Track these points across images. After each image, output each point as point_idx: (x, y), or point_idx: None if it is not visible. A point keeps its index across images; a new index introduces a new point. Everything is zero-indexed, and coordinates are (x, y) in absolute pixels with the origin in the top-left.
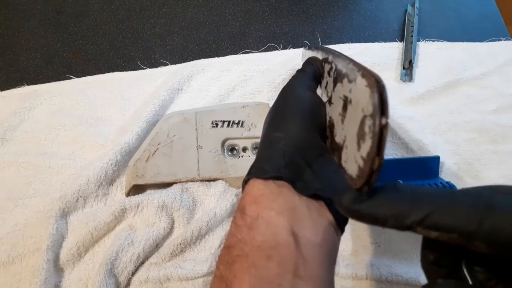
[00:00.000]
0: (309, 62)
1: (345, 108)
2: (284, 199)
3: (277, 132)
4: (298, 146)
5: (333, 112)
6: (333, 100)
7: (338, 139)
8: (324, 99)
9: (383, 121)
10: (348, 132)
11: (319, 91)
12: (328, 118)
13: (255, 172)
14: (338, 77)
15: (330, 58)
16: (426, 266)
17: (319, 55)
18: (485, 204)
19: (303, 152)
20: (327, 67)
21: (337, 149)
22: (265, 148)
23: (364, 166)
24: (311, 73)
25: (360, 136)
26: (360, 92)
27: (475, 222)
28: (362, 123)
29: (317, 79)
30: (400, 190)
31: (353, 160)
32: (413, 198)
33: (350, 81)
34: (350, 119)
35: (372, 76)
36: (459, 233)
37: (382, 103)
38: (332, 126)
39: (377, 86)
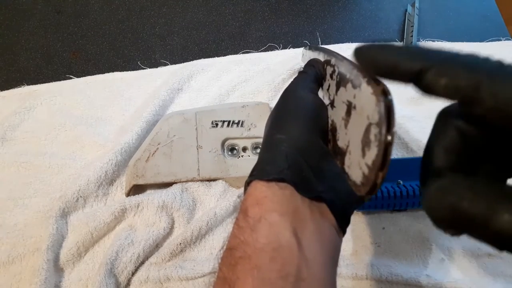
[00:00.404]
0: (310, 64)
1: (348, 113)
2: (286, 201)
3: (279, 134)
4: (300, 148)
5: (336, 116)
6: (336, 103)
7: (341, 143)
8: (326, 101)
9: (390, 131)
10: (352, 138)
11: (320, 93)
12: (330, 121)
13: (257, 174)
14: (341, 81)
15: (333, 61)
16: (435, 154)
17: (320, 56)
18: (496, 62)
19: (306, 155)
20: (329, 69)
21: (340, 153)
22: (267, 150)
23: (369, 174)
24: (313, 75)
25: (365, 143)
26: (366, 99)
27: (485, 71)
28: (367, 131)
29: (319, 81)
30: (415, 46)
31: (357, 166)
32: (428, 50)
33: (354, 87)
34: (354, 125)
35: (378, 84)
36: (466, 79)
37: (389, 112)
38: (334, 129)
39: (384, 94)
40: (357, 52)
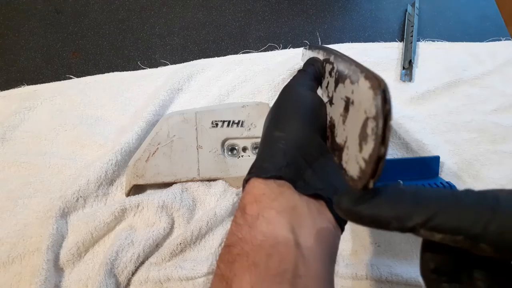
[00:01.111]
0: (310, 62)
1: (346, 109)
2: (284, 198)
3: (278, 132)
4: (298, 145)
5: (334, 112)
6: (334, 100)
7: (339, 139)
8: (325, 99)
9: (387, 124)
10: (349, 133)
11: (319, 92)
12: (328, 119)
13: (255, 171)
14: (340, 78)
15: (332, 58)
16: (427, 273)
17: (320, 55)
18: (490, 204)
19: (304, 152)
20: (328, 67)
21: (338, 149)
22: (265, 147)
23: (366, 168)
24: (312, 73)
25: (362, 137)
26: (363, 94)
27: (481, 223)
28: (364, 125)
29: (318, 79)
30: (402, 191)
31: (354, 161)
32: (415, 199)
33: (352, 82)
34: (351, 120)
35: (376, 78)
36: (465, 235)
37: (386, 105)
38: (332, 126)
39: (381, 88)
40: (337, 205)
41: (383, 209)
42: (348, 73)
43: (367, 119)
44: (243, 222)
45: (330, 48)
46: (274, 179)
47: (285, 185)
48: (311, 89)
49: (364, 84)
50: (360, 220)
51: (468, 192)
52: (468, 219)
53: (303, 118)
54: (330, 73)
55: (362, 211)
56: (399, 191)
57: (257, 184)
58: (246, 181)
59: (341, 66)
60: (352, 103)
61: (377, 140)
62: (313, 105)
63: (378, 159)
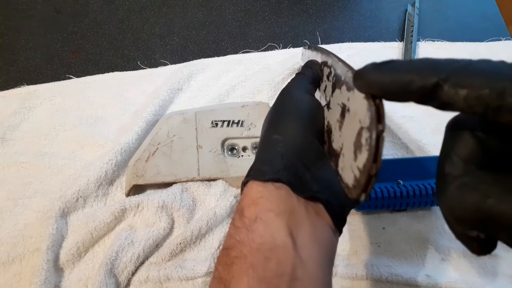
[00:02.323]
0: (308, 65)
1: (343, 115)
2: (282, 201)
3: (276, 135)
4: (296, 148)
5: (331, 117)
6: (331, 105)
7: (335, 145)
8: (323, 102)
9: (380, 135)
10: (345, 140)
11: (317, 94)
12: (326, 123)
13: (254, 174)
14: (337, 83)
15: (330, 62)
16: (453, 165)
17: (318, 56)
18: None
19: (302, 155)
20: (326, 70)
21: (334, 155)
22: (263, 150)
23: (360, 177)
24: (310, 76)
25: (357, 146)
26: (358, 103)
27: (507, 74)
28: (359, 134)
29: (316, 82)
30: (421, 58)
31: (349, 169)
32: (437, 60)
33: (348, 90)
34: (347, 128)
35: None
36: (490, 88)
37: (379, 117)
38: (330, 131)
39: (375, 100)
40: (358, 77)
41: (404, 70)
42: (345, 79)
43: (361, 128)
44: (241, 224)
45: (328, 51)
46: (272, 182)
47: (283, 188)
48: (309, 92)
49: (359, 93)
50: (381, 85)
51: (486, 60)
52: (494, 72)
53: (301, 121)
54: (328, 77)
55: (383, 75)
56: (415, 59)
57: (255, 187)
58: (244, 183)
59: (338, 71)
60: (348, 110)
61: (371, 151)
62: (311, 109)
63: (371, 169)
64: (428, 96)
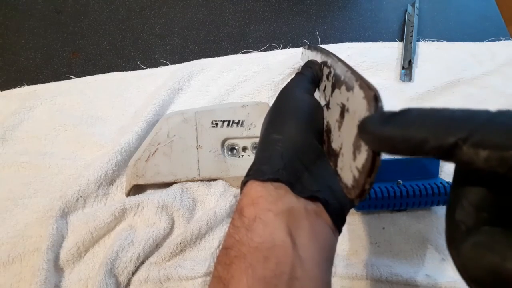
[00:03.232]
0: (308, 65)
1: (342, 115)
2: (282, 200)
3: (275, 134)
4: (296, 148)
5: (331, 117)
6: (331, 105)
7: (334, 145)
8: (322, 102)
9: None
10: (344, 140)
11: (317, 94)
12: (325, 123)
13: (253, 174)
14: (336, 83)
15: (329, 62)
16: (464, 211)
17: (318, 56)
18: None
19: (301, 155)
20: (325, 70)
21: (334, 155)
22: (263, 150)
23: (359, 178)
24: (310, 76)
25: (356, 146)
26: (357, 103)
27: None
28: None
29: (316, 83)
30: (433, 110)
31: (348, 169)
32: (452, 114)
33: (348, 90)
34: (347, 128)
35: (370, 89)
36: None
37: None
38: (329, 131)
39: (374, 100)
40: (364, 130)
41: (417, 127)
42: (344, 79)
43: None
44: (240, 224)
45: (328, 51)
46: (271, 182)
47: (283, 188)
48: (309, 92)
49: (358, 93)
50: (391, 143)
51: (507, 111)
52: None
53: (301, 121)
54: (327, 77)
55: (392, 131)
56: (432, 109)
57: (255, 187)
58: (243, 183)
59: (338, 71)
60: (348, 110)
61: (370, 152)
62: (310, 109)
63: (370, 170)
64: (445, 155)
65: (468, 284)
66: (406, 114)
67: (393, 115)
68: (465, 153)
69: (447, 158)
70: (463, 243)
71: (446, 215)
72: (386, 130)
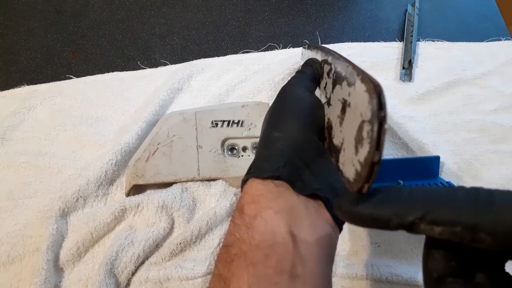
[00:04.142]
0: (308, 63)
1: (343, 111)
2: (282, 198)
3: (276, 132)
4: (296, 146)
5: (332, 114)
6: (332, 102)
7: (336, 141)
8: (323, 100)
9: (382, 126)
10: (346, 135)
11: (317, 92)
12: (326, 120)
13: (253, 171)
14: (337, 80)
15: (330, 59)
16: (432, 270)
17: (318, 55)
18: (485, 197)
19: (302, 152)
20: (326, 68)
21: (335, 151)
22: (263, 148)
23: (362, 171)
24: (310, 74)
25: (358, 140)
26: (359, 97)
27: (479, 213)
28: (360, 128)
29: (316, 80)
30: (399, 190)
31: (350, 163)
32: (413, 195)
33: (349, 85)
34: (348, 123)
35: (371, 82)
36: (463, 225)
37: (381, 109)
38: (330, 127)
39: (376, 92)
40: (338, 207)
41: (383, 207)
42: (345, 75)
43: (362, 122)
44: (241, 222)
45: (329, 49)
46: (272, 180)
47: (283, 185)
48: (309, 90)
49: (360, 87)
50: (361, 220)
51: (463, 188)
52: (466, 209)
53: (301, 118)
54: (328, 74)
55: (362, 211)
56: (396, 190)
57: (255, 185)
58: (244, 181)
59: (338, 68)
60: (349, 105)
61: (372, 144)
62: (310, 106)
63: (372, 164)
64: (408, 230)
65: None
66: (374, 197)
67: (363, 197)
68: (423, 229)
69: (411, 232)
70: None
71: (422, 261)
72: (357, 210)
